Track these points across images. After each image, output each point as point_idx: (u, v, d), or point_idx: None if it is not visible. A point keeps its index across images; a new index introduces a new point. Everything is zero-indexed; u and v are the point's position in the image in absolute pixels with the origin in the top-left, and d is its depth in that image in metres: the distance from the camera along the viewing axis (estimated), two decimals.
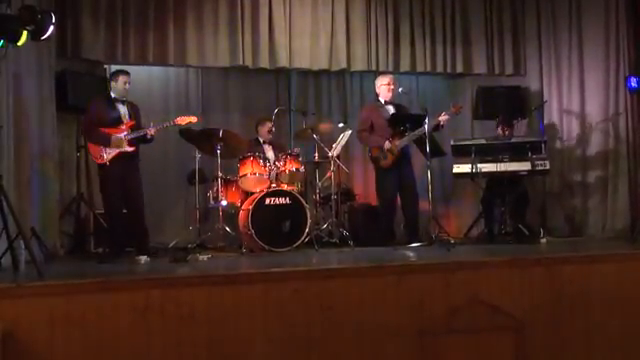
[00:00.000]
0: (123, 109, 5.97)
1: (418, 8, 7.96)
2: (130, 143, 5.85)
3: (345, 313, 4.32)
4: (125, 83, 5.96)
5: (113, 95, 5.97)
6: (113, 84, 5.98)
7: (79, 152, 7.04)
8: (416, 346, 4.41)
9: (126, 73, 6.02)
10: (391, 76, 7.06)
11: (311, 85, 8.48)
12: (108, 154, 5.77)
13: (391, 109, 6.87)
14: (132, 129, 5.88)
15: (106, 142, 5.77)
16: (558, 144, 7.93)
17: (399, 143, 6.66)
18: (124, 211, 5.96)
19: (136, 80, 6.47)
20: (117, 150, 5.78)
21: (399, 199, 6.86)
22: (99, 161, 5.81)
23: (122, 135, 5.81)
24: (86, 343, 3.84)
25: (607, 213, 7.61)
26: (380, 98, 6.96)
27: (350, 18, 7.72)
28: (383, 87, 6.93)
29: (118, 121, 5.88)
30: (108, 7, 6.98)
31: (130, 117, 5.97)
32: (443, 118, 6.65)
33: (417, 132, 6.55)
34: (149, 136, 5.92)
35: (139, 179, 5.99)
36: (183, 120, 6.15)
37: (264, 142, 7.16)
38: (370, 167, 7.88)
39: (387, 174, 6.78)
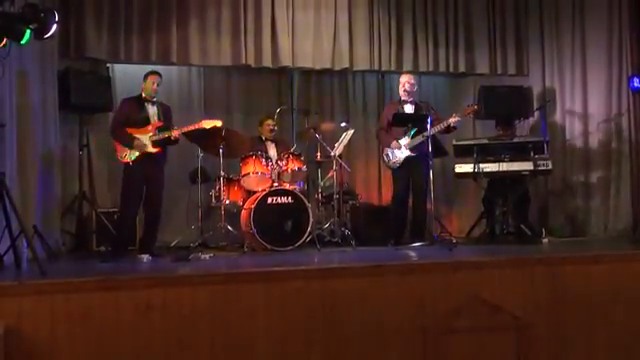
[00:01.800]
0: (152, 109, 6.00)
1: (421, 8, 7.95)
2: (155, 144, 5.86)
3: (347, 312, 4.32)
4: (153, 83, 6.00)
5: (143, 95, 6.01)
6: (144, 84, 6.03)
7: (82, 151, 7.04)
8: (418, 345, 4.41)
9: (155, 73, 6.07)
10: (409, 75, 6.99)
11: (313, 84, 8.47)
12: (132, 154, 5.79)
13: (409, 108, 6.85)
14: (159, 130, 5.90)
15: (129, 144, 5.78)
16: (560, 144, 7.91)
17: (407, 144, 6.64)
18: (138, 211, 6.00)
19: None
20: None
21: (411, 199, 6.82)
22: (123, 160, 5.84)
23: (147, 136, 5.83)
24: (88, 341, 3.85)
25: (609, 213, 7.60)
26: (401, 97, 6.95)
27: (353, 18, 7.71)
28: (400, 86, 6.92)
29: (146, 121, 5.92)
30: (111, 6, 6.98)
31: (159, 118, 6.00)
32: (453, 120, 6.60)
33: (426, 134, 6.50)
34: (173, 138, 5.93)
35: (162, 182, 6.00)
36: (208, 123, 6.12)
37: (266, 140, 7.17)
38: (372, 166, 7.92)
39: (397, 173, 6.77)
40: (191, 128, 6.07)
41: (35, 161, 6.04)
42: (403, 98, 6.88)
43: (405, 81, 6.87)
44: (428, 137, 6.39)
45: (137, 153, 5.78)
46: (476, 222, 7.72)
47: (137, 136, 5.81)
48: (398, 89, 6.99)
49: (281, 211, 6.32)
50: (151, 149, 5.84)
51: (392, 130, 6.78)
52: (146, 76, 6.06)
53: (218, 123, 6.20)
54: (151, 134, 5.85)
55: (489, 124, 7.92)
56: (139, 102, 6.00)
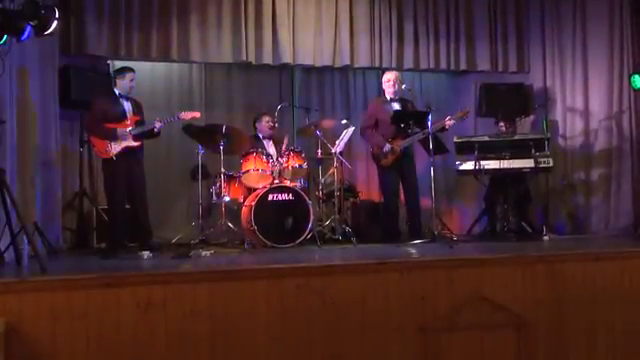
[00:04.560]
0: (127, 105, 6.00)
1: (422, 5, 7.94)
2: (135, 138, 5.87)
3: (347, 310, 4.32)
4: (132, 80, 6.01)
5: (117, 92, 6.00)
6: (119, 81, 6.01)
7: (82, 147, 7.04)
8: (418, 343, 4.41)
9: (133, 70, 6.07)
10: (394, 73, 7.01)
11: (314, 81, 8.47)
12: (114, 148, 5.79)
13: (396, 106, 6.83)
14: (138, 123, 5.92)
15: (113, 136, 5.79)
16: (561, 141, 7.91)
17: (401, 144, 6.63)
18: (127, 207, 5.99)
19: (139, 76, 6.49)
20: (124, 144, 5.81)
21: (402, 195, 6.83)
22: (104, 156, 5.83)
23: (127, 130, 5.85)
24: (88, 338, 3.85)
25: (610, 211, 7.58)
26: (386, 95, 6.94)
27: (354, 14, 7.70)
28: (385, 84, 6.91)
29: (123, 116, 5.92)
30: (112, 2, 6.97)
31: (134, 112, 6.01)
32: (449, 123, 6.59)
33: (420, 134, 6.51)
34: (156, 130, 5.94)
35: (142, 175, 6.02)
36: (187, 115, 6.19)
37: (264, 138, 7.15)
38: (373, 163, 7.87)
39: (387, 171, 6.75)
40: (170, 120, 6.12)
41: (35, 158, 6.04)
42: (390, 96, 6.86)
43: (394, 78, 6.84)
44: (429, 135, 6.38)
45: (119, 148, 5.78)
46: (477, 219, 7.72)
47: (118, 128, 5.83)
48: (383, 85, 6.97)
49: (282, 208, 6.32)
50: (132, 142, 5.85)
51: (380, 127, 6.76)
52: (123, 73, 6.02)
53: (196, 114, 6.27)
54: (130, 128, 5.87)
55: (490, 121, 7.91)
56: (114, 98, 5.98)
